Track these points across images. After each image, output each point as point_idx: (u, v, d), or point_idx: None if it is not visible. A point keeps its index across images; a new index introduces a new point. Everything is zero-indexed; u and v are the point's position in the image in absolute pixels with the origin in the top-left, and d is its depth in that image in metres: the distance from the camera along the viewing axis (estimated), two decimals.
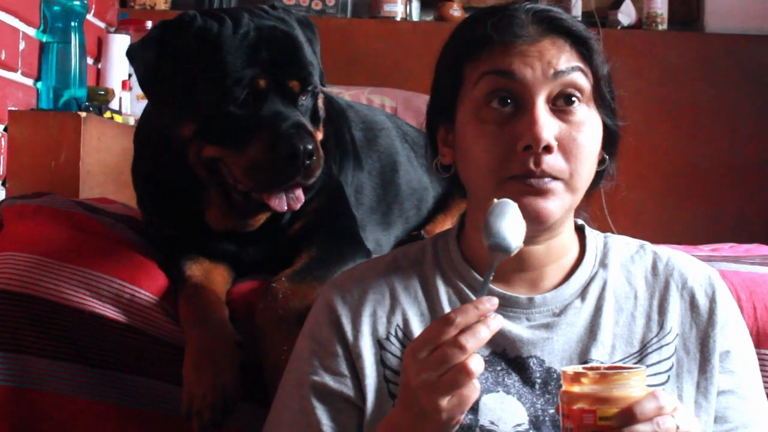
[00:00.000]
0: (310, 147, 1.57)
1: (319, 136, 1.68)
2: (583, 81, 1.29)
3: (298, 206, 1.62)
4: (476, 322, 1.11)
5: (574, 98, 1.28)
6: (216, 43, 1.60)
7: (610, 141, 1.34)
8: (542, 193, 1.26)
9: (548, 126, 1.25)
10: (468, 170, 1.32)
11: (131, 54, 1.68)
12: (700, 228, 3.39)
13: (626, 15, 3.63)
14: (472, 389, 1.11)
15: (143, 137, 1.78)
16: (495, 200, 1.19)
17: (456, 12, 3.64)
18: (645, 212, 3.45)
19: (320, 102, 1.71)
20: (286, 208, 1.61)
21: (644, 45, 3.56)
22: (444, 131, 1.36)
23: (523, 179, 1.25)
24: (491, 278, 1.17)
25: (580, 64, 1.29)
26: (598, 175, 1.35)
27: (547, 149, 1.25)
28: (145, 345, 1.60)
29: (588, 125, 1.29)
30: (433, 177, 2.02)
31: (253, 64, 1.59)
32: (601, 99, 1.31)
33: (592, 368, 1.09)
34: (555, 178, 1.26)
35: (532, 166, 1.25)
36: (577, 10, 3.56)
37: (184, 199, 1.69)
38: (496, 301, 1.13)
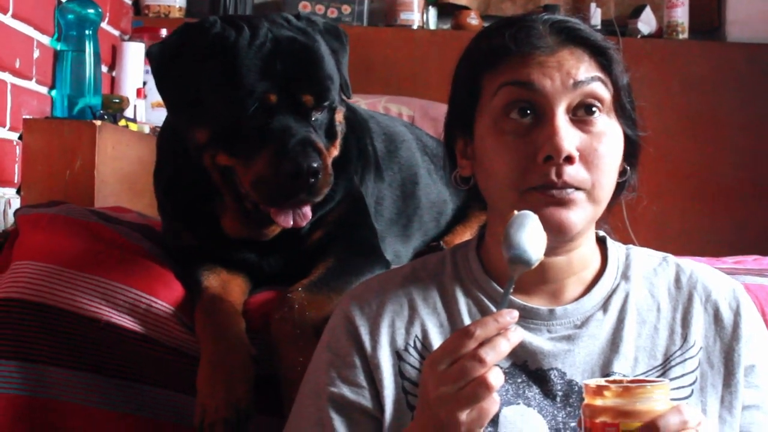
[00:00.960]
0: (314, 165, 1.56)
1: (334, 152, 1.68)
2: (603, 91, 1.29)
3: (304, 223, 1.62)
4: (496, 335, 1.11)
5: (594, 108, 1.28)
6: (231, 52, 1.60)
7: (631, 151, 1.35)
8: (564, 203, 1.26)
9: (569, 136, 1.25)
10: (488, 182, 1.32)
11: (150, 54, 1.70)
12: (723, 240, 3.38)
13: (646, 24, 3.63)
14: (492, 403, 1.11)
15: (165, 142, 1.80)
16: (515, 212, 1.19)
17: (473, 20, 3.65)
18: (667, 224, 3.44)
19: (339, 117, 1.70)
20: (291, 224, 1.61)
21: (665, 54, 3.56)
22: (462, 143, 1.37)
23: (544, 190, 1.25)
24: (511, 290, 1.17)
25: (600, 74, 1.29)
26: (620, 186, 1.36)
27: (569, 160, 1.25)
28: (162, 355, 1.60)
29: (609, 135, 1.29)
30: (453, 189, 2.03)
31: (266, 77, 1.59)
32: (621, 109, 1.31)
33: (614, 381, 1.09)
34: (577, 188, 1.26)
35: (553, 177, 1.25)
36: (597, 18, 3.57)
37: (201, 206, 1.70)
38: (516, 314, 1.13)
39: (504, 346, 1.11)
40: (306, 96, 1.62)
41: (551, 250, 1.24)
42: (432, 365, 1.13)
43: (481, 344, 1.10)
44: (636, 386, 1.07)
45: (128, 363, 1.61)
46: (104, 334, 1.60)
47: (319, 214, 1.72)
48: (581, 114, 1.28)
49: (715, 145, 3.52)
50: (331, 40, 1.71)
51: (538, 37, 1.29)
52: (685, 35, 3.63)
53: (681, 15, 3.63)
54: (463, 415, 1.10)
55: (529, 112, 1.28)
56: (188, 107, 1.64)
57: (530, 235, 1.17)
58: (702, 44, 3.64)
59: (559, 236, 1.26)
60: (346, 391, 1.31)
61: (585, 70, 1.28)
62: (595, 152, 1.27)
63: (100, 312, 1.60)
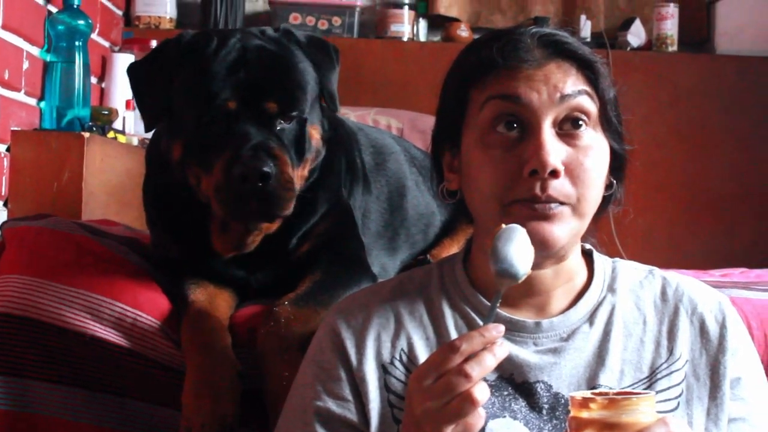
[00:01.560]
0: (264, 169, 1.53)
1: (303, 172, 1.64)
2: (590, 104, 1.29)
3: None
4: (482, 350, 1.11)
5: (580, 122, 1.29)
6: (196, 62, 1.61)
7: (618, 165, 1.35)
8: (548, 218, 1.26)
9: (555, 151, 1.26)
10: (473, 195, 1.32)
11: (129, 72, 1.71)
12: (711, 252, 3.39)
13: (636, 36, 3.65)
14: (477, 418, 1.11)
15: (153, 155, 1.79)
16: (503, 225, 1.19)
17: (463, 32, 3.66)
18: (655, 236, 3.44)
19: (315, 135, 1.67)
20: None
21: (654, 67, 3.57)
22: (449, 156, 1.37)
23: (528, 204, 1.26)
24: (498, 304, 1.17)
25: (587, 88, 1.30)
26: (606, 200, 1.36)
27: (554, 174, 1.25)
28: (147, 370, 1.60)
29: (595, 149, 1.29)
30: (441, 203, 2.02)
31: (228, 85, 1.58)
32: (607, 123, 1.32)
33: (600, 394, 1.09)
34: (562, 203, 1.26)
35: (537, 191, 1.25)
36: (586, 31, 3.58)
37: (190, 220, 1.69)
38: (502, 328, 1.13)
39: (490, 361, 1.11)
40: (269, 103, 1.60)
41: (537, 264, 1.24)
42: (417, 380, 1.13)
43: (467, 359, 1.10)
44: (622, 398, 1.07)
45: (113, 377, 1.61)
46: (89, 349, 1.59)
47: (306, 228, 1.71)
48: (567, 128, 1.28)
49: (703, 157, 3.53)
50: (316, 53, 1.70)
51: (526, 51, 1.30)
52: (675, 48, 3.65)
53: (670, 27, 3.64)
54: (449, 430, 1.10)
55: (515, 125, 1.28)
56: (164, 122, 1.65)
57: (518, 249, 1.17)
58: (691, 56, 3.65)
59: (543, 251, 1.26)
60: (332, 405, 1.31)
61: (572, 83, 1.29)
62: (581, 166, 1.27)
63: (86, 326, 1.59)
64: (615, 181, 1.35)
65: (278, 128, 1.61)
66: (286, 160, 1.59)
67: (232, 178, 1.54)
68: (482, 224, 1.34)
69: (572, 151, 1.28)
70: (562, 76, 1.29)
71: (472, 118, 1.32)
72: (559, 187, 1.26)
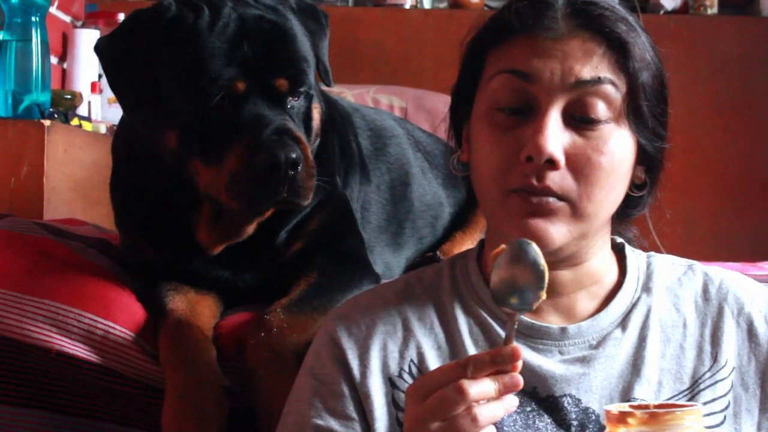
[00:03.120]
0: (293, 156, 1.55)
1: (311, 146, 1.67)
2: (612, 93, 1.28)
3: None
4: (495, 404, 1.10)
5: (595, 113, 1.28)
6: (190, 37, 1.60)
7: (650, 164, 1.34)
8: (543, 213, 1.26)
9: (555, 137, 1.25)
10: (476, 176, 1.34)
11: (99, 49, 1.70)
12: (758, 243, 3.39)
13: None
14: None
15: (122, 145, 1.79)
16: (503, 246, 1.16)
17: None
18: (696, 225, 3.45)
19: (315, 111, 1.69)
20: None
21: (691, 32, 3.57)
22: (467, 125, 1.38)
23: (524, 196, 1.26)
24: (515, 327, 1.14)
25: (609, 75, 1.28)
26: (636, 200, 1.36)
27: (551, 164, 1.25)
28: (122, 388, 1.60)
29: (611, 145, 1.28)
30: (451, 192, 2.03)
31: (232, 62, 1.59)
32: (636, 114, 1.30)
33: (639, 407, 1.10)
34: (560, 198, 1.26)
35: (533, 180, 1.25)
36: None
37: (172, 217, 1.69)
38: (521, 352, 1.11)
39: (499, 411, 1.11)
40: (279, 80, 1.61)
41: (552, 264, 1.24)
42: (413, 392, 1.14)
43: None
44: (664, 412, 1.07)
45: (84, 398, 1.61)
46: (56, 366, 1.60)
47: (296, 220, 1.72)
48: (580, 117, 1.28)
49: (748, 135, 3.54)
50: (307, 20, 1.71)
51: (550, 18, 1.29)
52: (714, 10, 3.65)
53: None
54: None
55: (522, 104, 1.28)
56: (150, 107, 1.64)
57: (522, 274, 1.13)
58: (733, 20, 3.65)
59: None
60: (334, 424, 1.31)
61: (592, 67, 1.28)
62: (588, 161, 1.27)
63: (51, 340, 1.59)
64: (648, 181, 1.35)
65: (289, 107, 1.62)
66: (304, 139, 1.60)
67: (256, 167, 1.55)
68: (485, 211, 1.35)
69: (581, 142, 1.27)
70: (583, 56, 1.28)
71: (484, 86, 1.33)
72: (558, 179, 1.26)
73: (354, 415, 1.32)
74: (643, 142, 1.32)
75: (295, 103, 1.64)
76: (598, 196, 1.28)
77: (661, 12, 3.65)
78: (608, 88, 1.28)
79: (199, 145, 1.60)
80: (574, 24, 1.29)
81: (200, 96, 1.58)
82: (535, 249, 1.13)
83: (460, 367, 1.11)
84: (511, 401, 1.11)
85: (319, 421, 1.32)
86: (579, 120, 1.27)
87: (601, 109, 1.28)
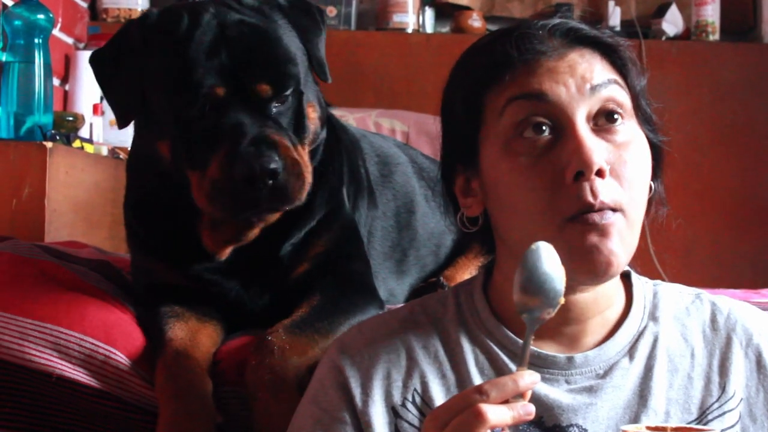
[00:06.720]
0: (271, 166, 1.54)
1: (305, 151, 1.65)
2: (622, 95, 1.29)
3: None
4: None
5: (616, 115, 1.28)
6: (170, 47, 1.60)
7: (656, 159, 1.34)
8: (607, 233, 1.24)
9: (595, 145, 1.25)
10: (510, 219, 1.30)
11: (92, 60, 1.71)
12: (760, 269, 3.39)
13: (672, 24, 3.66)
14: None
15: (133, 162, 1.80)
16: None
17: (476, 22, 3.67)
18: (696, 251, 3.45)
19: (310, 111, 1.67)
20: None
21: (693, 58, 3.58)
22: (463, 180, 1.36)
23: (582, 217, 1.24)
24: (531, 341, 1.14)
25: (615, 77, 1.30)
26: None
27: (600, 173, 1.24)
28: (121, 413, 1.59)
29: (636, 144, 1.29)
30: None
31: (211, 70, 1.58)
32: (641, 114, 1.32)
33: (656, 428, 1.08)
34: (614, 210, 1.25)
35: (589, 197, 1.23)
36: (616, 18, 3.59)
37: (179, 225, 1.69)
38: (537, 377, 1.11)
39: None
40: (261, 85, 1.60)
41: (575, 288, 1.22)
42: (433, 420, 1.12)
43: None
44: None
45: (84, 422, 1.60)
46: (56, 390, 1.59)
47: (302, 234, 1.71)
48: (603, 122, 1.28)
49: (750, 159, 3.54)
50: (300, 16, 1.70)
51: (541, 42, 1.29)
52: (716, 36, 3.65)
53: (711, 13, 3.65)
54: None
55: (544, 128, 1.27)
56: (141, 117, 1.65)
57: (550, 274, 1.14)
58: (735, 46, 3.66)
59: (601, 277, 1.25)
60: None
61: (600, 72, 1.29)
62: (625, 164, 1.26)
63: (52, 364, 1.58)
64: (652, 181, 1.34)
65: (274, 112, 1.61)
66: (287, 143, 1.59)
67: (233, 179, 1.54)
68: (522, 249, 1.28)
69: (612, 148, 1.27)
70: (588, 65, 1.29)
71: (491, 127, 1.30)
72: (609, 191, 1.24)
73: None
74: (651, 137, 1.33)
75: (281, 107, 1.62)
76: (640, 198, 1.28)
77: (664, 38, 3.66)
78: (619, 90, 1.29)
79: (187, 153, 1.60)
80: (565, 41, 1.30)
81: (182, 106, 1.58)
82: (553, 252, 1.14)
83: (478, 392, 1.10)
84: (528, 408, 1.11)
85: None
86: (605, 121, 1.27)
87: (618, 109, 1.28)
